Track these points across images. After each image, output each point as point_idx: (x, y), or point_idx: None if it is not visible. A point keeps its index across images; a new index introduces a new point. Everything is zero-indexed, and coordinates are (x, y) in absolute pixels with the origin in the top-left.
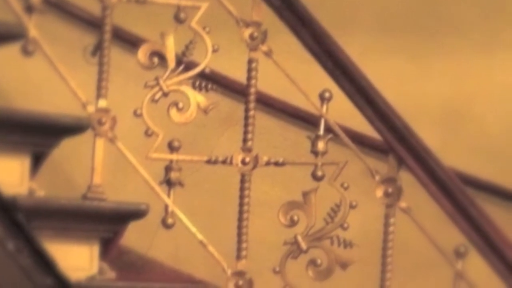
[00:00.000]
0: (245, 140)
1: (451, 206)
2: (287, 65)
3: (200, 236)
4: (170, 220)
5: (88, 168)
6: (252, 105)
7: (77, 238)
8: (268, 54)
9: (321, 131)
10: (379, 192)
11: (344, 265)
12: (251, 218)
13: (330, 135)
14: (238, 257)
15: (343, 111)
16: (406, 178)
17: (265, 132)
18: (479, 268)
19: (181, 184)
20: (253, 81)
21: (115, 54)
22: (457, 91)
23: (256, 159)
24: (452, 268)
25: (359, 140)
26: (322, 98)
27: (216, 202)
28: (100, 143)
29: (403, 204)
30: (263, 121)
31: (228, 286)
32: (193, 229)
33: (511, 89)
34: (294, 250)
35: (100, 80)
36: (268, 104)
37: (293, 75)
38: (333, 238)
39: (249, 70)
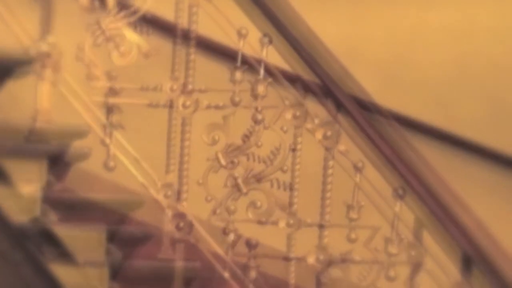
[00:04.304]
0: (185, 84)
1: (389, 149)
2: (227, 11)
3: (141, 179)
4: (111, 163)
5: (31, 112)
6: (193, 49)
7: (19, 180)
8: None
9: (261, 75)
10: (319, 135)
11: (283, 207)
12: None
13: (270, 79)
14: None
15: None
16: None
17: (205, 75)
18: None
19: (122, 127)
20: (194, 26)
21: None
22: (395, 35)
23: (196, 103)
24: (391, 210)
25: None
26: (262, 42)
27: (158, 145)
28: (43, 86)
29: (341, 147)
30: (203, 65)
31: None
32: (134, 172)
33: (448, 32)
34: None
35: (43, 23)
36: (209, 48)
37: (234, 20)
38: (273, 181)
39: (190, 15)
